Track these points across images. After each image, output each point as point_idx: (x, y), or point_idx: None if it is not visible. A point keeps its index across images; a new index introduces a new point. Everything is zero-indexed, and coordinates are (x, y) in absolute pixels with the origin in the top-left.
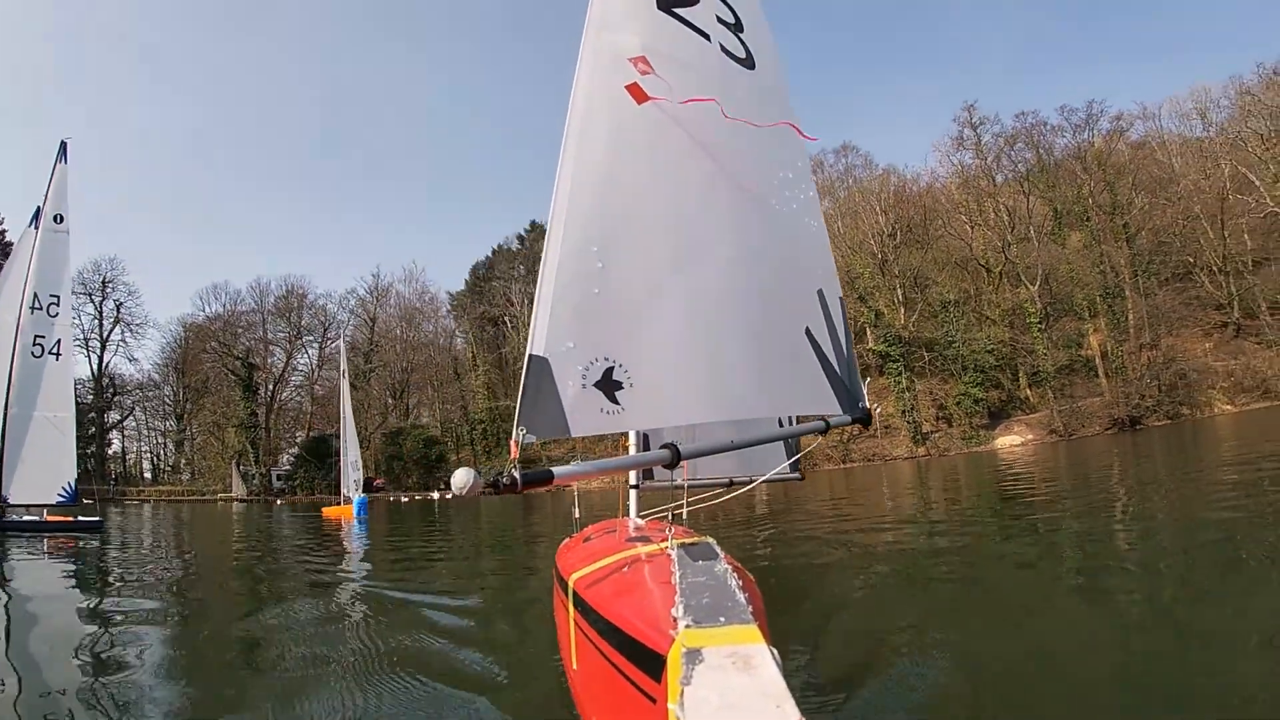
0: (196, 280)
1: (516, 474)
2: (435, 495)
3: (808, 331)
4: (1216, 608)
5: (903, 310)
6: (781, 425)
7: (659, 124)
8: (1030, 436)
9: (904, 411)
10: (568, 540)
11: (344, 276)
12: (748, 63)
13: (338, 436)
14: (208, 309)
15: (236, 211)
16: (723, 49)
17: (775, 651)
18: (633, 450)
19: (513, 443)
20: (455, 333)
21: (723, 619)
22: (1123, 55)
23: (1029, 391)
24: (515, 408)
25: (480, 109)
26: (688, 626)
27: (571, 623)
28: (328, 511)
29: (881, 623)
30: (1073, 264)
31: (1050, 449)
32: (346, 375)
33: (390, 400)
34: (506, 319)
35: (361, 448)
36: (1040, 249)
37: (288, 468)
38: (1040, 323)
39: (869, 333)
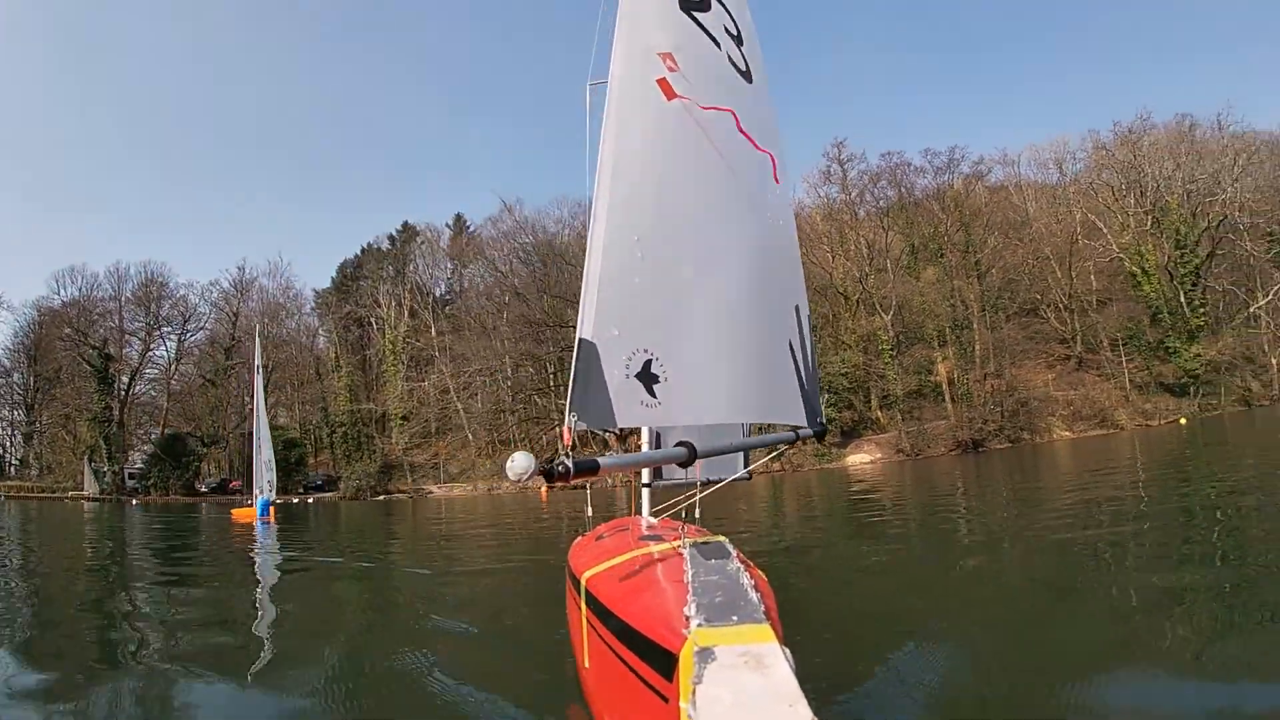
0: (52, 260)
1: (570, 462)
2: (295, 499)
3: (789, 345)
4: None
5: None
6: (762, 431)
7: (685, 123)
8: (879, 455)
9: (761, 429)
10: (580, 539)
11: (207, 266)
12: (747, 76)
13: (194, 435)
14: (63, 292)
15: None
16: (729, 59)
17: (788, 651)
18: (646, 447)
19: (565, 429)
20: (319, 331)
21: (735, 618)
22: (990, 103)
23: (879, 413)
24: (567, 392)
25: (349, 107)
26: (700, 625)
27: (584, 621)
28: (237, 514)
29: None
30: (925, 296)
31: (898, 467)
32: (260, 370)
33: (248, 399)
34: (373, 320)
35: (219, 447)
36: (896, 281)
37: (140, 466)
38: (892, 349)
39: None
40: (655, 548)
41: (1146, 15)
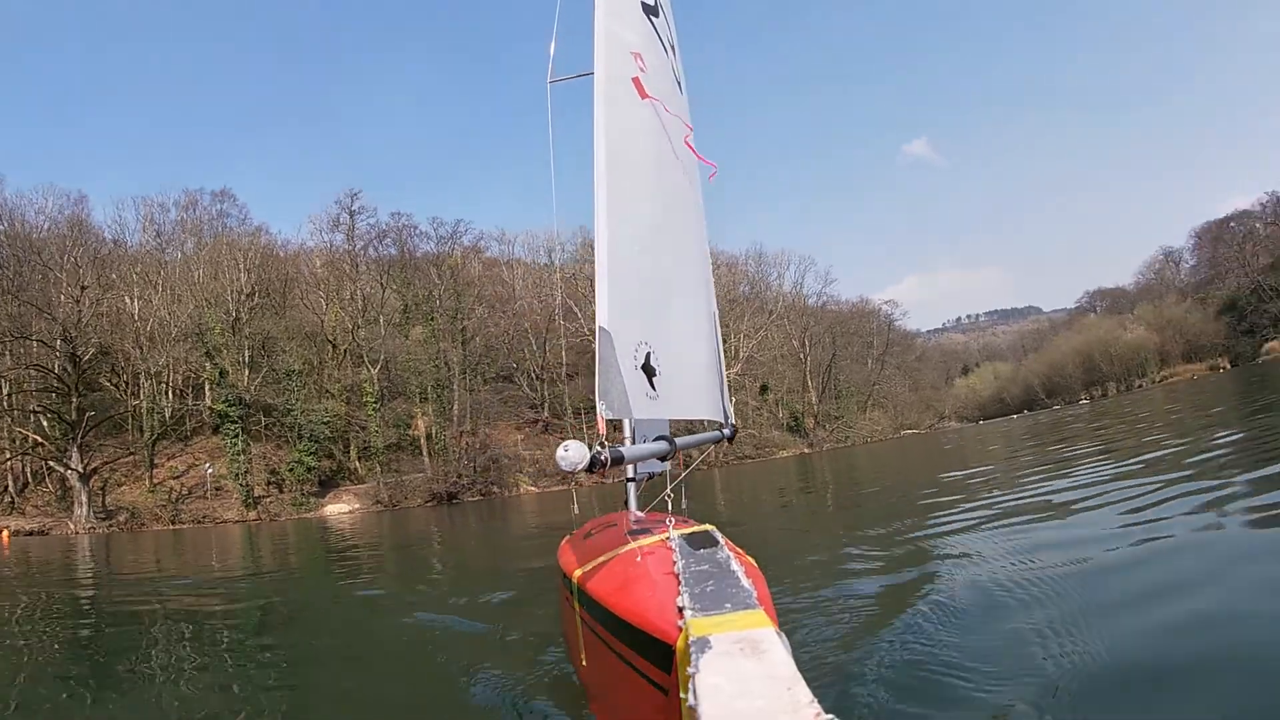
0: None
1: (608, 454)
2: None
3: (716, 347)
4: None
5: (248, 372)
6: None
7: (654, 124)
8: (358, 505)
9: (238, 475)
10: (569, 537)
11: None
12: (680, 87)
13: None
14: None
15: None
16: (672, 68)
17: (783, 635)
18: (629, 442)
19: (600, 418)
20: None
21: (728, 605)
22: (493, 184)
23: (359, 463)
24: (594, 381)
25: None
26: (694, 615)
27: (578, 619)
28: None
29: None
30: (413, 354)
31: (375, 517)
32: None
33: None
34: None
35: None
36: (386, 336)
37: None
38: (376, 402)
39: (208, 390)
40: (644, 541)
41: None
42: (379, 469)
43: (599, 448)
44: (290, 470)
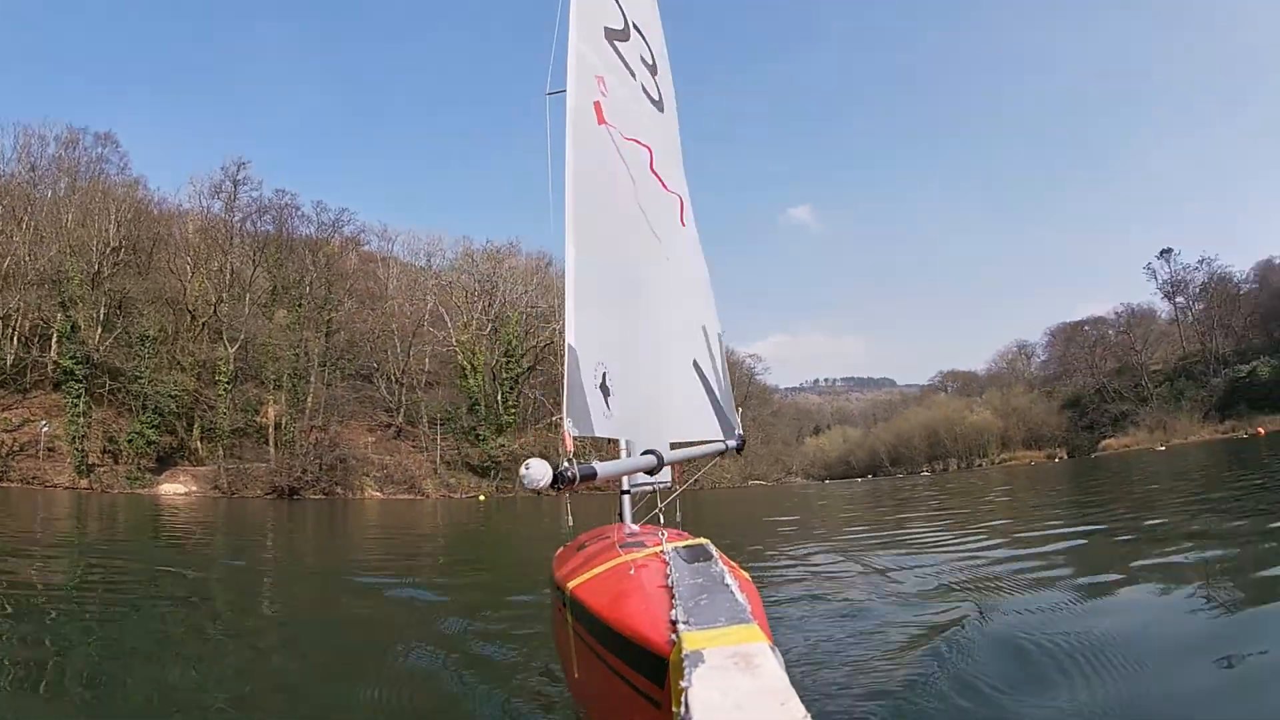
0: None
1: (575, 470)
2: None
3: (695, 364)
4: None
5: (100, 330)
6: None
7: (608, 150)
8: (195, 488)
9: (74, 438)
10: (562, 549)
11: None
12: (660, 105)
13: None
14: None
15: None
16: (643, 89)
17: (777, 649)
18: (625, 454)
19: (565, 434)
20: None
21: (722, 619)
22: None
23: (201, 444)
24: (563, 398)
25: None
26: (688, 629)
27: (571, 631)
28: None
29: None
30: (274, 338)
31: (212, 503)
32: None
33: None
34: None
35: None
36: (250, 315)
37: None
38: (228, 382)
39: (55, 343)
40: (639, 553)
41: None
42: (221, 453)
43: (565, 464)
44: (130, 441)
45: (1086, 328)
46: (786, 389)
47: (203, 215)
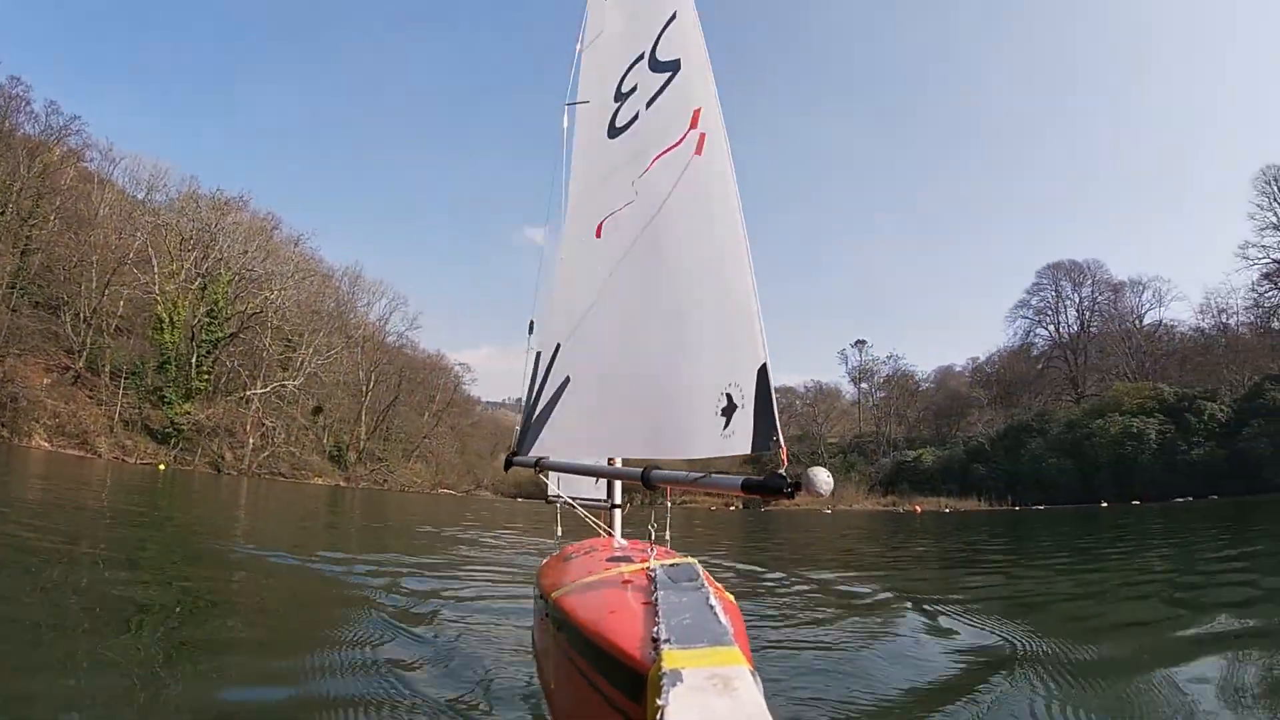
0: None
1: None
2: None
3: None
4: None
5: None
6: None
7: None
8: None
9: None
10: (550, 558)
11: None
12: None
13: None
14: None
15: None
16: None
17: (756, 674)
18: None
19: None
20: None
21: (704, 640)
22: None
23: None
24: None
25: None
26: (669, 647)
27: (551, 640)
28: None
29: None
30: None
31: None
32: None
33: None
34: None
35: None
36: None
37: None
38: None
39: None
40: (625, 569)
41: None
42: None
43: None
44: None
45: (778, 395)
46: (489, 402)
47: None
